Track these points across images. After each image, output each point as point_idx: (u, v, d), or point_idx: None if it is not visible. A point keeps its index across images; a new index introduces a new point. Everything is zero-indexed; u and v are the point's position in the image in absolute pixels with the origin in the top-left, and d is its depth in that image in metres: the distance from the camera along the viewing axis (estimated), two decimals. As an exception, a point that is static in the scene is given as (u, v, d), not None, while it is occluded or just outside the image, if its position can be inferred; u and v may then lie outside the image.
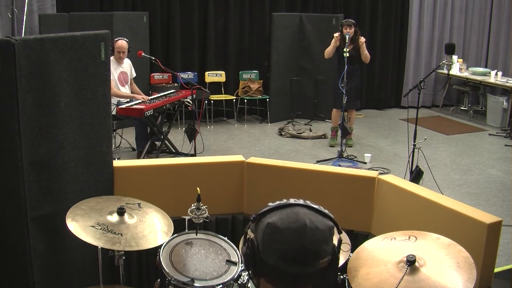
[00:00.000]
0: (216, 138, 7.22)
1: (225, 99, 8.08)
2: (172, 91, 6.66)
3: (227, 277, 2.18)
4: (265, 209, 1.28)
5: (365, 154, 6.33)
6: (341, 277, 2.18)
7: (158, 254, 2.28)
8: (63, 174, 2.56)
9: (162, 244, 2.29)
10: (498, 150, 7.04)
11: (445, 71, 7.91)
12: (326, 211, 1.31)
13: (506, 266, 3.77)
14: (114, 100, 5.51)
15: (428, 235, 2.05)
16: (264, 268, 1.26)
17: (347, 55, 6.12)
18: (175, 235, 2.40)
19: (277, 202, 1.28)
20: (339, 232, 1.33)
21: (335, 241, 1.32)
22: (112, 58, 5.81)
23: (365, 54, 6.49)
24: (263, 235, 1.25)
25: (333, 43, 6.55)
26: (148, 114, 5.59)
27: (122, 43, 5.89)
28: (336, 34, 6.53)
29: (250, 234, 1.30)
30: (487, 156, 6.75)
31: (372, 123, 8.36)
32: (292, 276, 1.24)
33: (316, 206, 1.30)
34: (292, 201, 1.29)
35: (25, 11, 6.61)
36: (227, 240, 2.43)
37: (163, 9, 7.81)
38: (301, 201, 1.29)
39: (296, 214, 1.25)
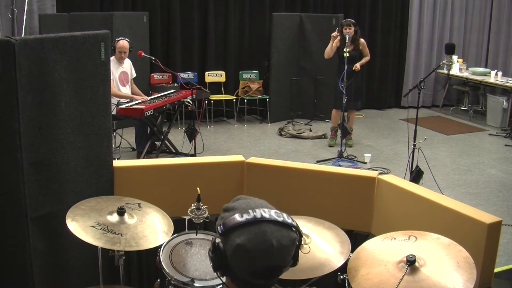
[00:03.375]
0: (216, 138, 7.22)
1: (225, 99, 8.08)
2: (172, 91, 6.66)
3: (227, 277, 2.18)
4: (233, 224, 1.31)
5: (365, 154, 6.33)
6: (341, 277, 2.18)
7: (158, 254, 2.28)
8: (63, 174, 2.56)
9: (162, 244, 2.29)
10: (498, 150, 7.04)
11: (445, 71, 7.92)
12: (290, 221, 1.36)
13: (506, 266, 3.77)
14: (114, 100, 5.51)
15: (428, 235, 2.05)
16: (231, 274, 1.36)
17: (347, 55, 6.13)
18: (175, 235, 2.40)
19: (245, 217, 1.31)
20: (300, 236, 1.40)
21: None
22: (113, 58, 5.81)
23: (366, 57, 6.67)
24: (232, 254, 1.31)
25: (331, 43, 6.56)
26: (148, 114, 5.59)
27: (123, 43, 5.89)
28: (333, 34, 6.53)
29: (220, 243, 1.35)
30: (487, 156, 6.75)
31: (372, 123, 8.37)
32: (257, 285, 1.35)
33: (280, 219, 1.33)
34: (258, 215, 1.32)
35: (25, 11, 6.60)
36: (227, 240, 2.42)
37: (163, 9, 7.82)
38: (267, 215, 1.32)
39: (263, 234, 1.30)
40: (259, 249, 1.29)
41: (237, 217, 1.32)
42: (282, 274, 1.37)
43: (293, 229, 1.36)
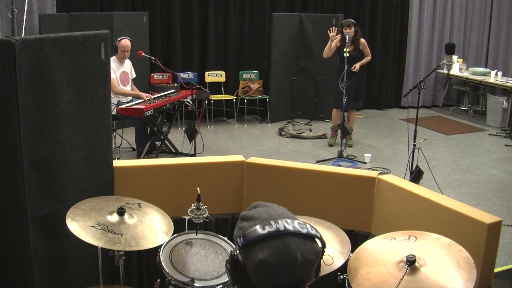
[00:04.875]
0: (216, 138, 7.22)
1: (225, 99, 8.08)
2: (172, 91, 6.66)
3: (227, 277, 2.18)
4: (255, 237, 1.23)
5: (365, 154, 6.33)
6: (341, 277, 2.18)
7: (158, 254, 2.28)
8: (63, 174, 2.56)
9: (162, 244, 2.29)
10: (498, 150, 7.04)
11: (445, 71, 7.92)
12: (314, 232, 1.28)
13: (506, 266, 3.77)
14: (114, 100, 5.52)
15: (428, 235, 2.05)
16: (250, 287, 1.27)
17: (347, 55, 6.13)
18: (175, 235, 2.41)
19: (267, 230, 1.23)
20: (324, 246, 1.33)
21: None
22: (114, 57, 5.82)
23: (367, 57, 6.68)
24: (254, 269, 1.24)
25: (330, 43, 6.56)
26: (148, 114, 5.59)
27: (126, 42, 5.90)
28: (331, 34, 6.53)
29: (239, 256, 1.27)
30: (487, 156, 6.75)
31: (372, 123, 8.37)
32: None
33: (304, 231, 1.26)
34: (281, 227, 1.24)
35: (25, 11, 6.61)
36: (227, 240, 2.43)
37: (163, 9, 7.82)
38: (290, 227, 1.24)
39: (287, 248, 1.22)
40: (283, 265, 1.22)
41: (259, 229, 1.23)
42: None
43: (317, 240, 1.29)
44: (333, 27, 6.63)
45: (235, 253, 1.27)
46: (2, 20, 6.60)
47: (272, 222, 1.24)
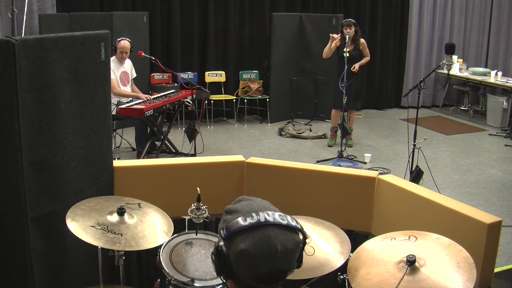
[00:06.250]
0: (216, 138, 7.22)
1: (225, 99, 8.08)
2: (172, 91, 6.66)
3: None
4: (236, 228, 1.29)
5: (365, 154, 6.33)
6: (341, 277, 2.18)
7: (158, 254, 2.28)
8: (63, 174, 2.56)
9: (162, 244, 2.29)
10: (498, 150, 7.04)
11: (445, 71, 7.93)
12: (294, 223, 1.33)
13: (506, 266, 3.77)
14: (114, 100, 5.52)
15: (428, 235, 2.05)
16: (235, 278, 1.33)
17: (347, 55, 6.13)
18: (175, 235, 2.41)
19: (249, 221, 1.28)
20: (305, 237, 1.38)
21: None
22: (114, 58, 5.82)
23: (366, 57, 6.68)
24: (236, 259, 1.29)
25: (330, 43, 6.56)
26: (148, 114, 5.59)
27: (125, 43, 5.90)
28: (334, 35, 6.53)
29: (223, 247, 1.32)
30: (487, 156, 6.75)
31: (372, 123, 8.37)
32: None
33: (284, 222, 1.31)
34: (262, 219, 1.29)
35: (25, 11, 6.61)
36: (227, 240, 2.42)
37: (163, 9, 7.82)
38: (270, 219, 1.30)
39: (267, 238, 1.27)
40: (264, 255, 1.27)
41: (241, 221, 1.29)
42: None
43: (297, 231, 1.34)
44: (338, 34, 6.58)
45: (219, 245, 1.33)
46: (2, 20, 6.60)
47: (254, 214, 1.30)
